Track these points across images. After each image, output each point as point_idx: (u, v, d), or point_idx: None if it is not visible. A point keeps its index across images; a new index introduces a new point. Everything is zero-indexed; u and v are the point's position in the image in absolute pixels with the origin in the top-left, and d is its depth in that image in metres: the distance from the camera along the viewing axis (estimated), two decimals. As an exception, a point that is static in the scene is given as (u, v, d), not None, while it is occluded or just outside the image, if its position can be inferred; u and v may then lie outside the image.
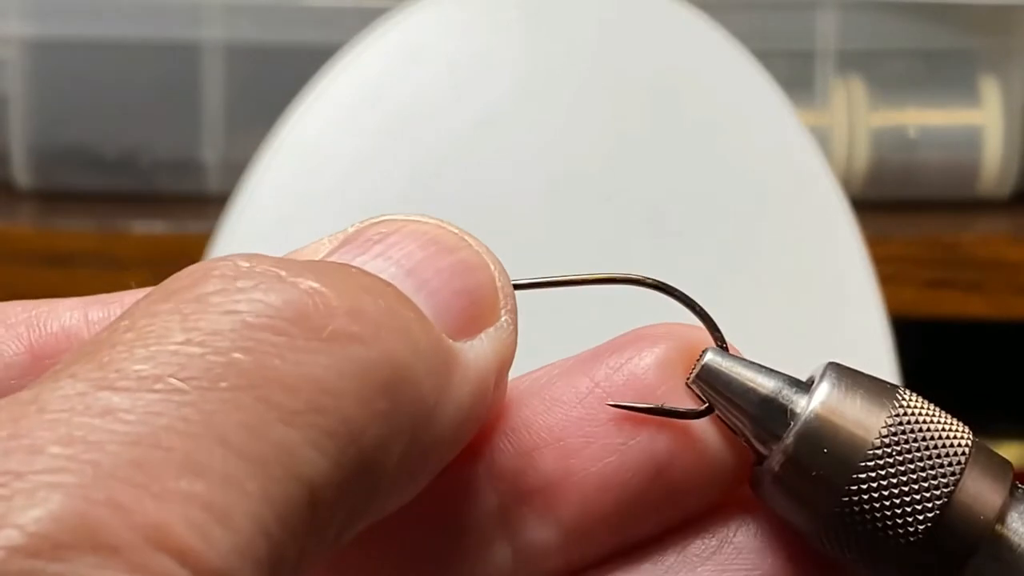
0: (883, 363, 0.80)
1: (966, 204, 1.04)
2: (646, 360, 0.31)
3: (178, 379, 0.25)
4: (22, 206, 1.00)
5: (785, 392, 0.30)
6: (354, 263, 0.29)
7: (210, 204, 0.93)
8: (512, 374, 0.31)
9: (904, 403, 0.30)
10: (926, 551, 0.29)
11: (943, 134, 1.04)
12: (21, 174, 1.00)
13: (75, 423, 0.24)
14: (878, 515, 0.29)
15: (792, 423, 0.30)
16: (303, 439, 0.25)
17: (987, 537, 0.29)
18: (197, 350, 0.25)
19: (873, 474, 0.29)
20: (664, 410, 0.30)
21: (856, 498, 0.29)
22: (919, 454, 0.30)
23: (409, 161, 0.82)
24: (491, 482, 0.31)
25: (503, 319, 0.30)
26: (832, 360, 0.31)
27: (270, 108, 0.87)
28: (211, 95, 1.00)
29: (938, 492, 0.29)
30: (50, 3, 0.99)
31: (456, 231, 0.31)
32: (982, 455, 0.30)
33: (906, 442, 0.30)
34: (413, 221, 0.30)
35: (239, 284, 0.26)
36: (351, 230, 0.30)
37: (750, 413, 0.30)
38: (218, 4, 1.00)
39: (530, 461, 0.31)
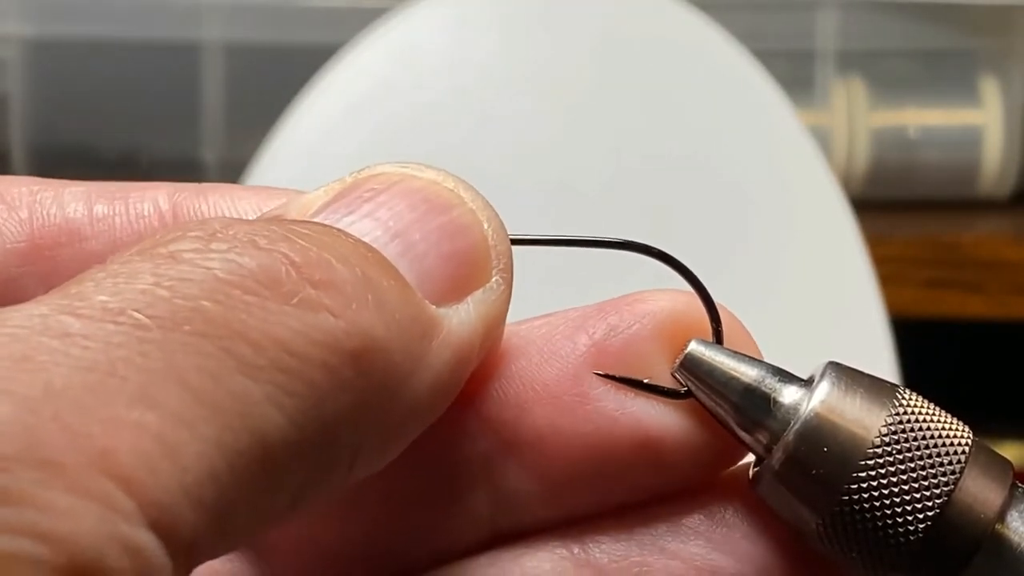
0: (883, 363, 0.80)
1: (966, 204, 1.04)
2: (647, 330, 0.31)
3: (143, 315, 0.24)
4: (22, 206, 1.00)
5: (768, 381, 0.30)
6: (340, 224, 0.29)
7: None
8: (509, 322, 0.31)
9: (904, 403, 0.30)
10: (926, 550, 0.29)
11: (943, 134, 1.04)
12: (21, 174, 1.00)
13: (32, 341, 0.23)
14: (878, 514, 0.29)
15: (792, 422, 0.30)
16: (263, 394, 0.25)
17: (987, 536, 0.29)
18: (165, 293, 0.25)
19: (873, 473, 0.29)
20: (646, 385, 0.30)
21: (856, 497, 0.29)
22: (919, 453, 0.30)
23: (408, 161, 0.82)
24: (480, 429, 0.31)
25: (494, 280, 0.30)
26: (832, 360, 0.31)
27: (270, 108, 0.87)
28: (211, 95, 1.00)
29: (938, 491, 0.29)
30: (50, 3, 0.99)
31: (451, 186, 0.30)
32: (982, 455, 0.30)
33: (906, 441, 0.30)
34: (408, 176, 0.30)
35: (213, 246, 0.26)
36: (348, 180, 0.30)
37: (733, 401, 0.30)
38: (218, 4, 1.00)
39: (521, 413, 0.30)
